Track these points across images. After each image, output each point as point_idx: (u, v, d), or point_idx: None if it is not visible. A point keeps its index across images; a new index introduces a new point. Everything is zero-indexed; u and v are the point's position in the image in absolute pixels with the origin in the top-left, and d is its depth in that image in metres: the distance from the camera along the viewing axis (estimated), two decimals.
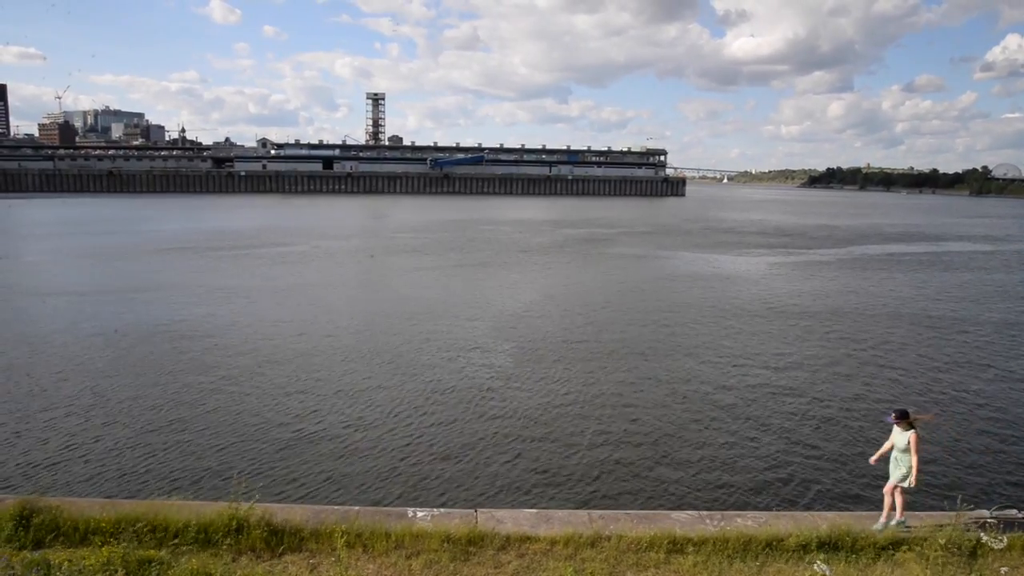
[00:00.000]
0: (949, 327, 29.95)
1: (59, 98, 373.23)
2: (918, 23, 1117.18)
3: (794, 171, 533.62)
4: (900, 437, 9.95)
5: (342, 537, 9.00)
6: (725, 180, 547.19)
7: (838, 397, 20.16)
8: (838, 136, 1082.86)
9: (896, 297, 37.62)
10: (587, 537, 9.30)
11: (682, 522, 10.12)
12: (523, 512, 10.60)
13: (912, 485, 9.89)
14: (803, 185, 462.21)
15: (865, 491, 14.19)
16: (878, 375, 22.44)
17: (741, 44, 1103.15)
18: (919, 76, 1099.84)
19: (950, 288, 41.47)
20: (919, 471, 9.83)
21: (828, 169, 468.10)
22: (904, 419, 9.95)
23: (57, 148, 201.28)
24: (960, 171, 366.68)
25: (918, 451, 9.83)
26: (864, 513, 11.20)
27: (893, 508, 10.07)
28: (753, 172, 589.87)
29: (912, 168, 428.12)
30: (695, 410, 18.86)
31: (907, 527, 9.93)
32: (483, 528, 9.52)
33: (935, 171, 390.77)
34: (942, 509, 11.16)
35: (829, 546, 9.28)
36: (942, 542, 8.96)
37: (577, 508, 12.01)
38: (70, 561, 7.90)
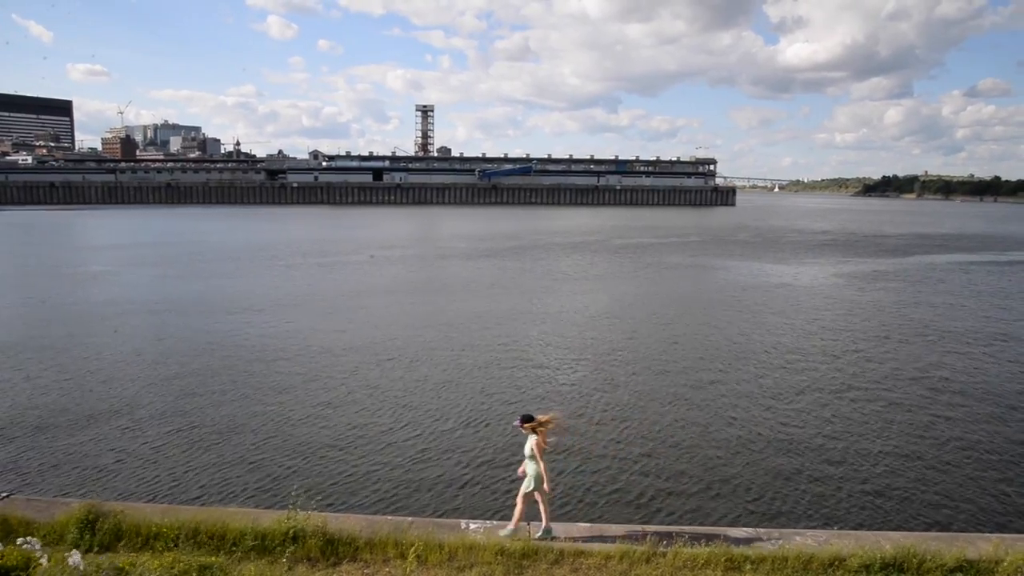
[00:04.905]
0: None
1: (121, 113, 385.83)
2: (983, 26, 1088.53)
3: (848, 180, 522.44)
4: (527, 443, 9.81)
5: (395, 547, 9.07)
6: (776, 189, 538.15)
7: (902, 413, 19.57)
8: (895, 144, 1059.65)
9: (973, 310, 36.42)
10: (642, 552, 9.17)
11: (739, 539, 9.91)
12: (577, 526, 10.51)
13: (546, 490, 9.76)
14: (857, 194, 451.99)
15: (932, 511, 13.75)
16: (948, 393, 21.71)
17: (796, 50, 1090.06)
18: (982, 80, 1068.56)
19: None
20: (548, 474, 9.79)
21: (883, 177, 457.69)
22: (527, 423, 9.75)
23: (119, 161, 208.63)
24: None
25: (542, 456, 9.71)
26: (930, 534, 10.80)
27: (534, 516, 9.90)
28: (805, 181, 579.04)
29: (972, 175, 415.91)
30: (756, 425, 18.49)
31: (552, 536, 9.70)
32: (537, 541, 9.46)
33: (997, 178, 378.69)
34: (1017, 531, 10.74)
35: (894, 567, 8.98)
36: (1021, 565, 8.59)
37: (632, 523, 11.85)
38: (135, 565, 8.09)
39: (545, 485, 9.77)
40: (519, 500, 10.01)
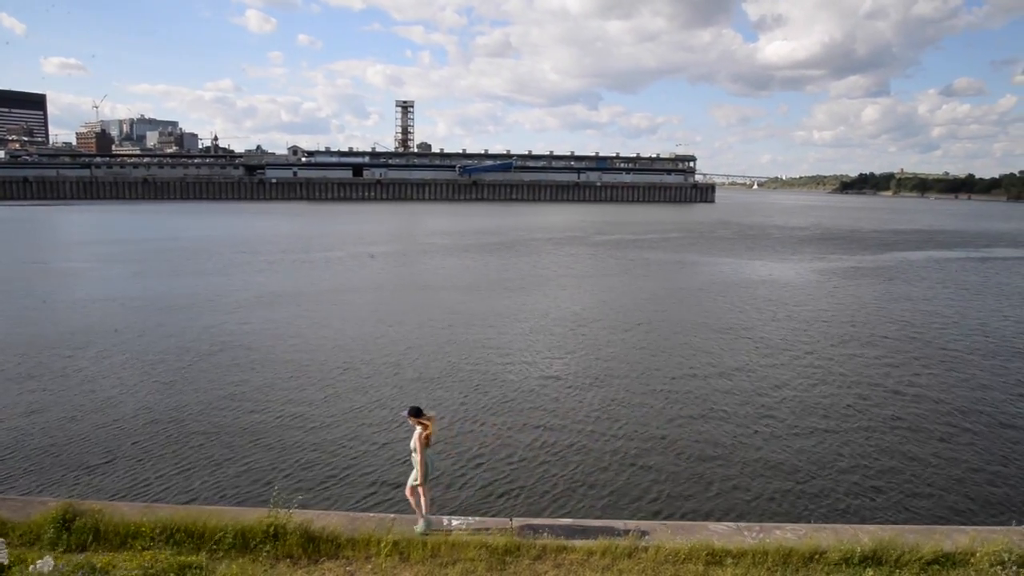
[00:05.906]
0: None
1: (96, 107, 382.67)
2: (958, 25, 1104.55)
3: (825, 177, 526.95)
4: (413, 435, 9.88)
5: (377, 545, 9.03)
6: (755, 186, 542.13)
7: (880, 406, 19.80)
8: (872, 141, 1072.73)
9: (948, 306, 36.91)
10: (624, 547, 9.20)
11: (720, 533, 9.98)
12: (560, 521, 10.53)
13: (418, 483, 9.79)
14: (835, 191, 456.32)
15: (911, 504, 13.92)
16: (926, 388, 21.99)
17: (775, 48, 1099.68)
18: (957, 79, 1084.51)
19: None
20: (423, 470, 9.79)
21: (860, 175, 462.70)
22: (415, 416, 9.81)
23: (94, 156, 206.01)
24: (997, 176, 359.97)
25: (423, 450, 9.73)
26: (907, 527, 10.95)
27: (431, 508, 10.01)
28: (784, 178, 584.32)
29: (947, 173, 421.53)
30: (736, 421, 18.62)
31: (429, 531, 9.69)
32: (519, 537, 9.47)
33: (971, 176, 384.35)
34: (993, 523, 10.90)
35: (872, 560, 9.08)
36: (993, 557, 8.71)
37: (614, 518, 11.90)
38: (113, 565, 7.99)
39: (419, 478, 9.78)
40: (408, 495, 9.99)
